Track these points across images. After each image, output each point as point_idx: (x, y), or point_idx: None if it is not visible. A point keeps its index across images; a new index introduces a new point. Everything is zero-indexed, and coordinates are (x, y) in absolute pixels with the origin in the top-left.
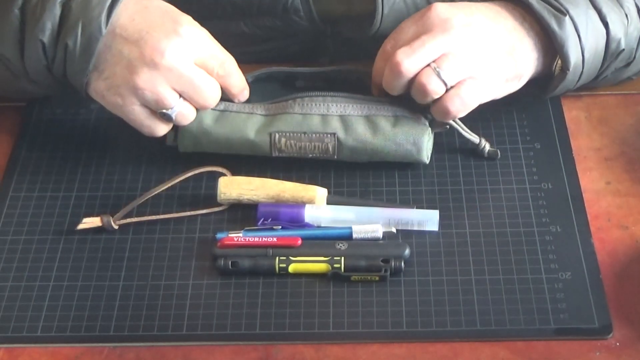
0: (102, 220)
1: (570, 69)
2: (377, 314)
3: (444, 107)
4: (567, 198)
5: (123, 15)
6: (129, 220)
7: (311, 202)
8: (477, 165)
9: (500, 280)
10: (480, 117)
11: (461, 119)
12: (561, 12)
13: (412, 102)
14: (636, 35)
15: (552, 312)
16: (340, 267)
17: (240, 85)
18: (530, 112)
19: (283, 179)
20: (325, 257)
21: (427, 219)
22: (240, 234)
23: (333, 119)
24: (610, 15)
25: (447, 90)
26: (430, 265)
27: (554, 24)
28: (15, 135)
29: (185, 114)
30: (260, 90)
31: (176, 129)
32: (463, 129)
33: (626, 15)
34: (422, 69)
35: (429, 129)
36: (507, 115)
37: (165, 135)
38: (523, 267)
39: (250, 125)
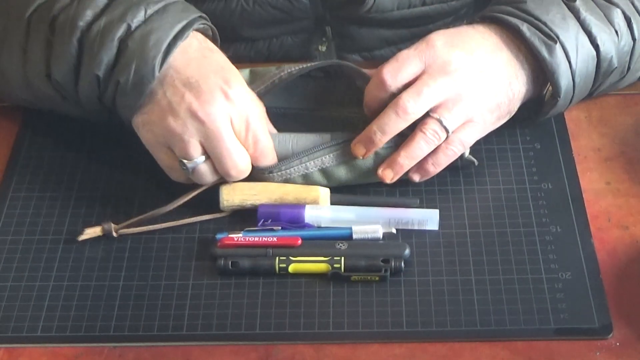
0: (103, 230)
1: (562, 96)
2: (377, 314)
3: (444, 151)
4: (567, 198)
5: (179, 58)
6: (131, 230)
7: (315, 202)
8: (478, 166)
9: (500, 280)
10: None
11: None
12: (552, 39)
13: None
14: (627, 49)
15: (552, 312)
16: (340, 267)
17: (270, 161)
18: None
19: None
20: (325, 257)
21: (427, 218)
22: (240, 234)
23: (314, 174)
24: (600, 36)
25: (447, 136)
26: (430, 265)
27: (544, 52)
28: (15, 135)
29: (203, 172)
30: None
31: None
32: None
33: (616, 33)
34: (425, 119)
35: None
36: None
37: None
38: (523, 267)
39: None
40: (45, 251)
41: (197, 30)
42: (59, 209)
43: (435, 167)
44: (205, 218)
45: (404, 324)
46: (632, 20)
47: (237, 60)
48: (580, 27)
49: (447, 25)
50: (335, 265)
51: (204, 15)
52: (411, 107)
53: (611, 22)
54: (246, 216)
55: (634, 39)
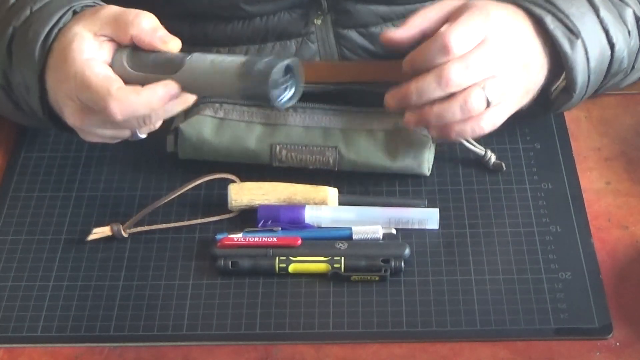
0: (112, 230)
1: (577, 92)
2: (377, 314)
3: (475, 125)
4: (567, 198)
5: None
6: (140, 229)
7: (323, 202)
8: (477, 165)
9: (500, 280)
10: None
11: None
12: (574, 33)
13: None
14: (635, 49)
15: (552, 312)
16: (340, 267)
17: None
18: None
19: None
20: (325, 257)
21: (428, 218)
22: (240, 235)
23: (335, 132)
24: (616, 34)
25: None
26: (430, 265)
27: (566, 46)
28: (15, 135)
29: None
30: None
31: (176, 136)
32: (467, 140)
33: (629, 32)
34: (471, 85)
35: (431, 142)
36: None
37: (165, 142)
38: (523, 267)
39: (251, 135)
40: (45, 251)
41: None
42: (59, 209)
43: (458, 137)
44: (215, 219)
45: (404, 324)
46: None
47: (235, 41)
48: (600, 24)
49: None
50: (335, 265)
51: (89, 2)
52: (456, 80)
53: (624, 21)
54: (246, 216)
55: None
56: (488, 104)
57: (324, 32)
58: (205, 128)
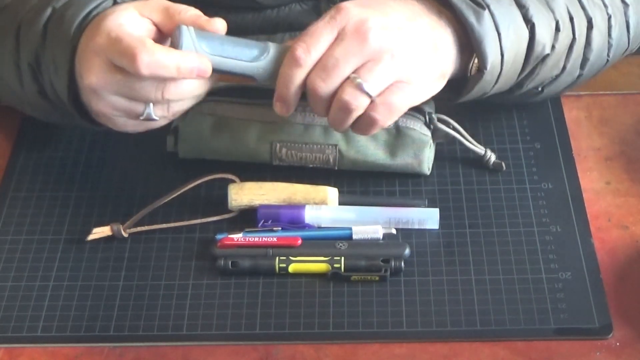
0: (112, 230)
1: (488, 68)
2: (377, 314)
3: (369, 119)
4: (567, 198)
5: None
6: (140, 229)
7: (323, 202)
8: (477, 165)
9: (500, 280)
10: (480, 117)
11: (463, 126)
12: (480, 5)
13: (414, 114)
14: (567, 43)
15: (552, 312)
16: (340, 267)
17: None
18: (530, 112)
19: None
20: (325, 257)
21: (428, 218)
22: (240, 235)
23: (335, 130)
24: (537, 16)
25: (372, 101)
26: (430, 265)
27: (472, 18)
28: (15, 135)
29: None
30: None
31: (176, 135)
32: (468, 140)
33: (556, 22)
34: (343, 83)
35: (431, 140)
36: (507, 115)
37: (165, 142)
38: (523, 267)
39: (250, 134)
40: (45, 251)
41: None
42: (59, 209)
43: (365, 134)
44: (215, 219)
45: (404, 324)
46: (575, 18)
47: (245, 30)
48: (514, 1)
49: None
50: (335, 265)
51: None
52: (321, 88)
53: (551, 9)
54: (246, 217)
55: (574, 36)
56: (370, 96)
57: None
58: (205, 127)
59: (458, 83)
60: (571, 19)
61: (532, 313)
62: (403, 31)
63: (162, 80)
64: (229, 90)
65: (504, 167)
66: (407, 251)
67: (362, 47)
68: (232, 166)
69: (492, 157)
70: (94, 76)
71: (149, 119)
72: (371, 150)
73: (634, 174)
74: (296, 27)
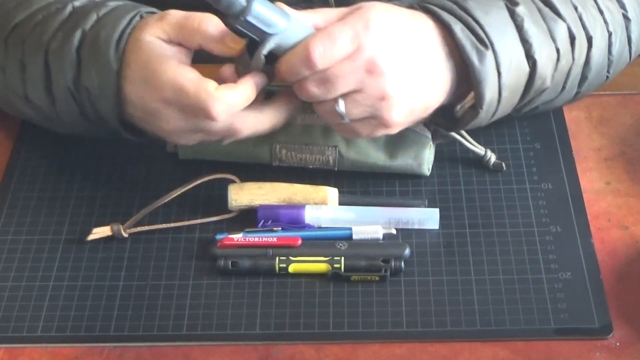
0: (112, 230)
1: (484, 109)
2: (377, 314)
3: (347, 128)
4: (567, 198)
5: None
6: (140, 229)
7: (323, 202)
8: (477, 165)
9: (500, 280)
10: None
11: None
12: (484, 44)
13: None
14: (566, 69)
15: (552, 312)
16: (340, 267)
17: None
18: None
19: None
20: (325, 257)
21: (428, 218)
22: (240, 235)
23: (335, 131)
24: (540, 51)
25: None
26: (430, 265)
27: (474, 58)
28: (15, 135)
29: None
30: None
31: None
32: (468, 140)
33: (557, 51)
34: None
35: (431, 142)
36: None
37: (165, 141)
38: (523, 267)
39: None
40: (45, 251)
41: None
42: (59, 209)
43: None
44: (215, 219)
45: (404, 324)
46: (577, 39)
47: None
48: (519, 36)
49: None
50: (335, 265)
51: (152, 10)
52: (312, 91)
53: (553, 38)
54: (246, 217)
55: (573, 59)
56: (342, 118)
57: None
58: None
59: (450, 112)
60: (572, 41)
61: (532, 313)
62: (408, 76)
63: (231, 124)
64: None
65: (504, 167)
66: (407, 251)
67: (366, 82)
68: (232, 166)
69: (492, 157)
70: (168, 125)
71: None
72: (371, 151)
73: (634, 174)
74: None
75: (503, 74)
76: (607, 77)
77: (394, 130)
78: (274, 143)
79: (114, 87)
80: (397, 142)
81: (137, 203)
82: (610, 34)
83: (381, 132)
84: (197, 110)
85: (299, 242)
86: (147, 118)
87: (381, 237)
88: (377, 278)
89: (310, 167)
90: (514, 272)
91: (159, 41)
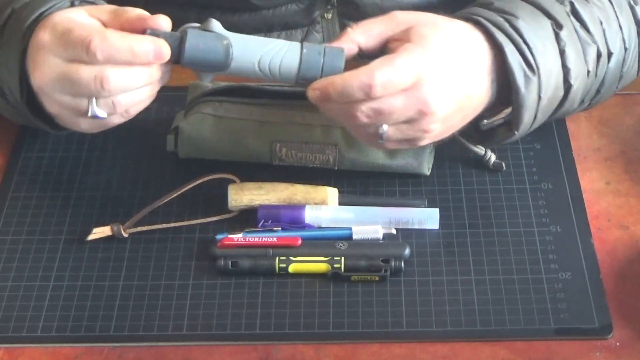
0: (112, 230)
1: (519, 131)
2: (377, 314)
3: (378, 145)
4: (567, 198)
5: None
6: (140, 229)
7: (323, 202)
8: (477, 165)
9: (500, 280)
10: None
11: None
12: (532, 69)
13: None
14: (590, 85)
15: (552, 312)
16: (340, 267)
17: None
18: None
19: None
20: (325, 257)
21: (428, 218)
22: (240, 235)
23: (335, 130)
24: (577, 75)
25: None
26: (430, 265)
27: (521, 83)
28: (15, 135)
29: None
30: None
31: (176, 135)
32: (467, 140)
33: (588, 72)
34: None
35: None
36: None
37: (165, 142)
38: (523, 267)
39: (250, 133)
40: (45, 251)
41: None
42: (59, 209)
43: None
44: (215, 219)
45: (404, 324)
46: (601, 59)
47: (241, 30)
48: (560, 62)
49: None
50: (335, 265)
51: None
52: (360, 119)
53: (586, 61)
54: (246, 217)
55: (596, 76)
56: (380, 139)
57: (330, 23)
58: (206, 127)
59: (475, 122)
60: (598, 58)
61: (532, 313)
62: (454, 110)
63: (100, 70)
64: (229, 91)
65: (504, 167)
66: (407, 251)
67: (415, 118)
68: (232, 166)
69: (492, 157)
70: (38, 72)
71: (95, 115)
72: (371, 150)
73: (634, 174)
74: (292, 26)
75: (543, 99)
76: (615, 91)
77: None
78: (274, 142)
79: (17, 63)
80: None
81: (137, 203)
82: (626, 50)
83: (409, 148)
84: (77, 46)
85: (299, 242)
86: (28, 72)
87: (381, 237)
88: (377, 278)
89: (310, 166)
90: (514, 272)
91: (79, 9)
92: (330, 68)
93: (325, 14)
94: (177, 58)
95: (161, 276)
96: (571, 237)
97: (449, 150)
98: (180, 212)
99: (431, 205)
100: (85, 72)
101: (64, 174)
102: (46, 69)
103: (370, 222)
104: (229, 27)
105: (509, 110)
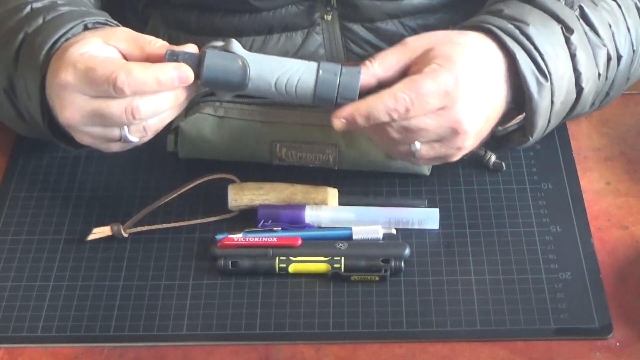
0: (112, 230)
1: (534, 137)
2: (377, 314)
3: (409, 160)
4: (567, 198)
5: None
6: (140, 229)
7: (323, 202)
8: (477, 165)
9: (500, 280)
10: None
11: None
12: (544, 76)
13: None
14: (600, 89)
15: (552, 312)
16: (340, 267)
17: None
18: None
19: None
20: (325, 257)
21: (428, 218)
22: (241, 235)
23: (335, 130)
24: (587, 78)
25: None
26: (430, 265)
27: (534, 90)
28: (15, 136)
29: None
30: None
31: (176, 135)
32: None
33: (599, 75)
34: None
35: None
36: None
37: (165, 142)
38: (523, 267)
39: (251, 133)
40: (45, 251)
41: (92, 27)
42: (59, 209)
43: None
44: (215, 219)
45: (404, 324)
46: (611, 61)
47: (241, 32)
48: (572, 65)
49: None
50: (335, 265)
51: (102, 20)
52: (392, 138)
53: (597, 64)
54: (246, 217)
55: (606, 79)
56: (412, 156)
57: (330, 25)
58: (206, 127)
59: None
60: (608, 62)
61: (532, 313)
62: (483, 126)
63: (130, 102)
64: None
65: (504, 167)
66: (407, 251)
67: (447, 136)
68: (232, 166)
69: (492, 157)
70: (67, 111)
71: (128, 141)
72: (371, 150)
73: (634, 174)
74: (292, 27)
75: (556, 104)
76: (622, 93)
77: (438, 161)
78: (274, 142)
79: (37, 88)
80: None
81: (137, 203)
82: (634, 52)
83: (439, 163)
84: (103, 84)
85: (299, 242)
86: (54, 108)
87: (381, 237)
88: (377, 278)
89: (311, 165)
90: (514, 272)
91: (95, 38)
92: (346, 89)
93: (325, 16)
94: (197, 77)
95: (161, 276)
96: (571, 237)
97: None
98: (180, 212)
99: (431, 205)
100: (115, 106)
101: (64, 174)
102: (75, 108)
103: (370, 222)
104: (229, 28)
105: (522, 116)
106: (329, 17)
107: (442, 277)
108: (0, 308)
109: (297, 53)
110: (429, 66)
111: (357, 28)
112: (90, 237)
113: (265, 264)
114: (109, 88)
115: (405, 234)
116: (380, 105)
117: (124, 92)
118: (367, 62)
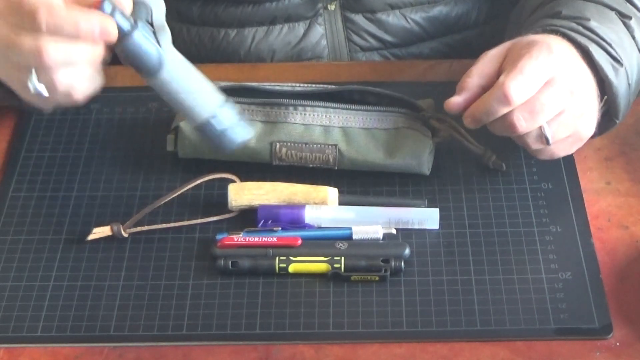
0: (112, 230)
1: (620, 119)
2: (377, 314)
3: (550, 153)
4: (567, 198)
5: None
6: (140, 229)
7: (323, 202)
8: (477, 165)
9: (500, 280)
10: None
11: (463, 126)
12: (618, 62)
13: (414, 114)
14: None
15: (552, 312)
16: (340, 267)
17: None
18: None
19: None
20: (325, 257)
21: (428, 218)
22: (241, 235)
23: (335, 130)
24: None
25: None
26: (430, 265)
27: (612, 74)
28: (14, 135)
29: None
30: None
31: (176, 135)
32: (468, 140)
33: None
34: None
35: (431, 142)
36: None
37: (165, 141)
38: (523, 267)
39: None
40: (45, 251)
41: None
42: (59, 209)
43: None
44: (215, 219)
45: (404, 324)
46: None
47: (244, 23)
48: (635, 46)
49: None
50: (335, 265)
51: None
52: (522, 127)
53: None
54: (246, 217)
55: None
56: (548, 142)
57: (332, 16)
58: None
59: None
60: None
61: (532, 313)
62: (582, 86)
63: (41, 41)
64: (229, 91)
65: (504, 167)
66: (407, 251)
67: (569, 102)
68: (232, 166)
69: (492, 157)
70: None
71: (35, 90)
72: (371, 150)
73: (634, 174)
74: (294, 18)
75: (632, 85)
76: None
77: (578, 145)
78: (274, 142)
79: None
80: (397, 141)
81: (137, 203)
82: None
83: (576, 148)
84: (25, 8)
85: (299, 242)
86: None
87: (381, 237)
88: (377, 278)
89: (310, 165)
90: (514, 272)
91: None
92: (229, 142)
93: (329, 6)
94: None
95: (161, 276)
96: (571, 237)
97: (449, 150)
98: (180, 212)
99: (431, 205)
100: (27, 41)
101: (64, 174)
102: None
103: (370, 222)
104: (231, 19)
105: (602, 103)
106: (332, 7)
107: (442, 277)
108: (0, 308)
109: (300, 44)
110: (519, 53)
111: (359, 19)
112: (90, 237)
113: (265, 264)
114: (28, 19)
115: (405, 234)
116: (492, 98)
117: (40, 27)
118: (467, 79)
